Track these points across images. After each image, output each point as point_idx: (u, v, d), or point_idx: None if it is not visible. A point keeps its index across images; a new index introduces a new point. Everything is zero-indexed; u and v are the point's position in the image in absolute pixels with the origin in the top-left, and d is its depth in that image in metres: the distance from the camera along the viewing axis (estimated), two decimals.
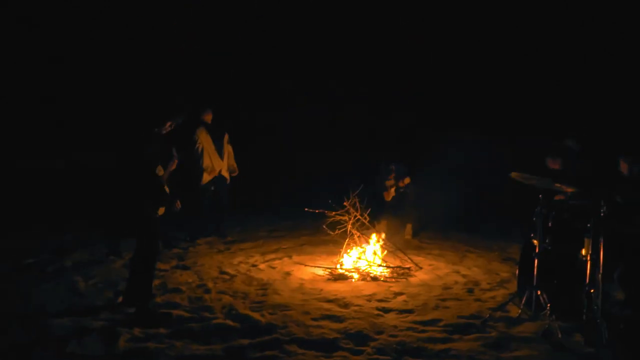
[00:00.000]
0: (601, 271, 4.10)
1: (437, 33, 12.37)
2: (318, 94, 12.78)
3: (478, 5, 11.89)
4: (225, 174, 7.88)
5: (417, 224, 8.70)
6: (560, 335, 4.14)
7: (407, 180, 8.54)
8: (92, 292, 5.25)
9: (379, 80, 13.00)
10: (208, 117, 7.72)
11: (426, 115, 11.95)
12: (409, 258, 6.62)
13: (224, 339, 4.09)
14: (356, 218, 6.50)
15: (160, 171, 4.79)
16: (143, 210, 4.58)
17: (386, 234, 8.00)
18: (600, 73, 10.64)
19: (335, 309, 4.84)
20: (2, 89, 10.89)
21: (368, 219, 6.67)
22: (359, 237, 6.55)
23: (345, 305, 4.98)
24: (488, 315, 4.61)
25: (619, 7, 10.37)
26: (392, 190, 8.53)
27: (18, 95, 11.21)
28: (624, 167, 5.11)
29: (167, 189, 4.86)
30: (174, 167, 5.49)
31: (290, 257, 7.05)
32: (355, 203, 6.49)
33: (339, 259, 6.41)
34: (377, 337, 4.18)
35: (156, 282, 5.57)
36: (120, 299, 4.85)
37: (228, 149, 7.96)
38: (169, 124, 4.54)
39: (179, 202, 4.81)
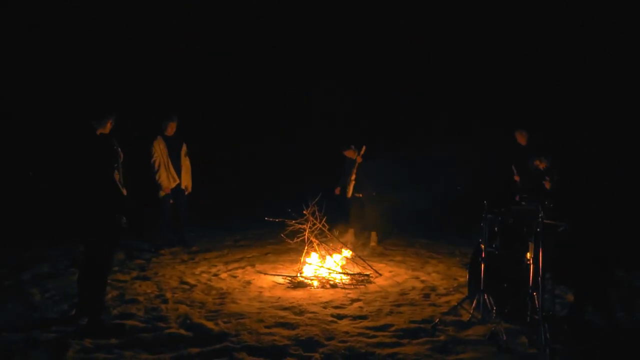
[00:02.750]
0: (541, 274, 4.22)
1: (436, 33, 12.47)
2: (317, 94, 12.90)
3: (477, 6, 11.99)
4: (183, 185, 7.87)
5: (382, 231, 8.81)
6: (505, 337, 4.24)
7: (359, 158, 8.44)
8: (47, 304, 5.21)
9: (378, 81, 13.10)
10: (170, 129, 7.70)
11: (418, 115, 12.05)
12: (369, 265, 6.70)
13: (174, 348, 4.11)
14: (315, 226, 6.56)
15: (116, 175, 4.70)
16: (99, 217, 4.51)
17: (352, 242, 8.12)
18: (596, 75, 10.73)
19: (289, 317, 4.89)
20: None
21: (327, 226, 6.73)
22: (318, 244, 6.62)
23: (300, 312, 5.03)
24: (438, 320, 4.70)
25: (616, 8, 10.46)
26: (351, 186, 8.54)
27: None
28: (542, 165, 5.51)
29: (124, 191, 4.77)
30: (121, 159, 5.21)
31: (253, 266, 7.09)
32: (314, 211, 6.56)
33: (299, 267, 6.47)
34: (327, 343, 4.24)
35: (114, 293, 5.60)
36: (74, 311, 4.83)
37: (185, 162, 7.92)
38: (110, 121, 4.52)
39: (124, 190, 4.67)
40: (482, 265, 4.74)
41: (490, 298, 4.69)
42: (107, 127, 4.54)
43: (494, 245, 4.80)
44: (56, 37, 11.42)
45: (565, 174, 5.16)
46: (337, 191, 8.78)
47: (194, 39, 12.99)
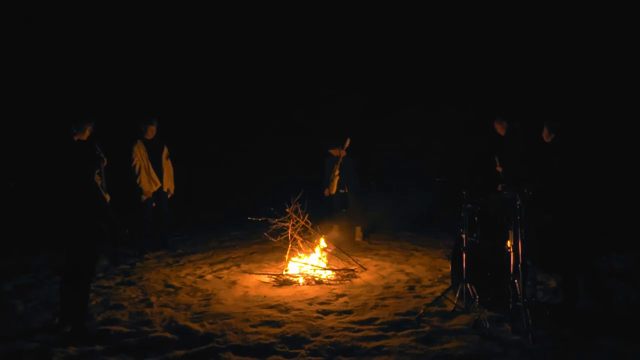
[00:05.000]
0: (521, 261, 4.28)
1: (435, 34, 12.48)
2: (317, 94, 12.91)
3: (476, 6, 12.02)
4: (165, 188, 7.82)
5: (367, 225, 8.83)
6: (488, 325, 4.29)
7: (342, 152, 8.42)
8: (30, 314, 5.15)
9: (376, 80, 13.11)
10: (150, 133, 7.63)
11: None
12: (354, 260, 6.73)
13: (159, 351, 4.10)
14: (298, 223, 6.57)
15: (97, 180, 4.70)
16: (81, 223, 4.50)
17: (338, 238, 8.13)
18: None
19: (275, 315, 4.90)
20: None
21: (310, 223, 6.74)
22: (302, 242, 6.63)
23: (286, 310, 5.04)
24: (422, 311, 4.74)
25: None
26: (335, 182, 8.50)
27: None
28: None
29: (107, 197, 4.76)
30: (105, 164, 5.17)
31: (238, 266, 7.08)
32: (297, 209, 6.56)
33: (284, 265, 6.48)
34: (313, 339, 4.26)
35: (98, 299, 5.56)
36: (57, 319, 4.79)
37: (167, 165, 7.86)
38: (89, 127, 4.49)
39: (108, 196, 4.68)
40: (464, 255, 4.78)
41: (473, 287, 4.74)
42: (86, 134, 4.52)
43: (474, 235, 4.84)
44: (54, 38, 11.30)
45: (569, 167, 5.17)
46: (327, 193, 8.64)
47: (194, 39, 12.95)
